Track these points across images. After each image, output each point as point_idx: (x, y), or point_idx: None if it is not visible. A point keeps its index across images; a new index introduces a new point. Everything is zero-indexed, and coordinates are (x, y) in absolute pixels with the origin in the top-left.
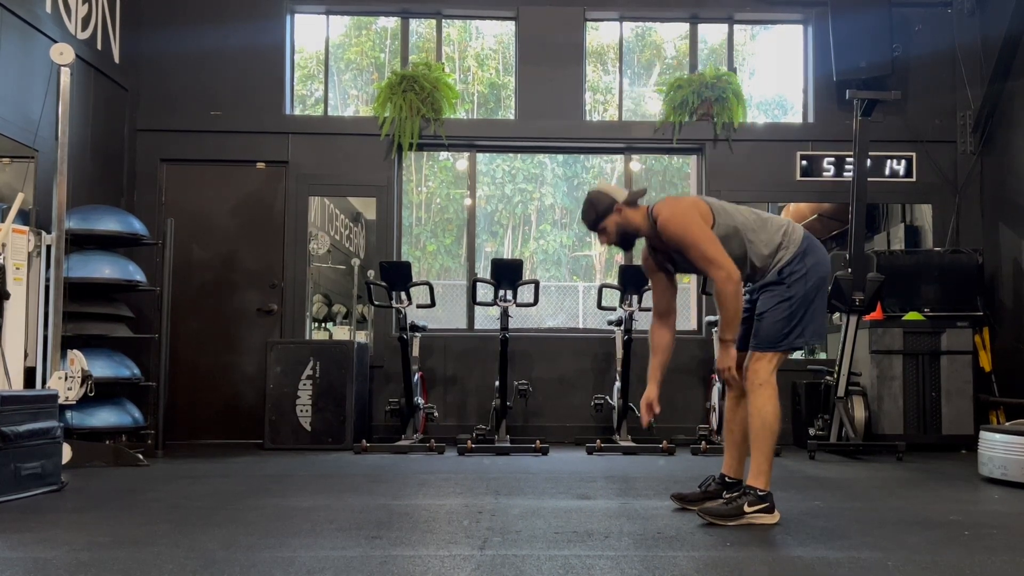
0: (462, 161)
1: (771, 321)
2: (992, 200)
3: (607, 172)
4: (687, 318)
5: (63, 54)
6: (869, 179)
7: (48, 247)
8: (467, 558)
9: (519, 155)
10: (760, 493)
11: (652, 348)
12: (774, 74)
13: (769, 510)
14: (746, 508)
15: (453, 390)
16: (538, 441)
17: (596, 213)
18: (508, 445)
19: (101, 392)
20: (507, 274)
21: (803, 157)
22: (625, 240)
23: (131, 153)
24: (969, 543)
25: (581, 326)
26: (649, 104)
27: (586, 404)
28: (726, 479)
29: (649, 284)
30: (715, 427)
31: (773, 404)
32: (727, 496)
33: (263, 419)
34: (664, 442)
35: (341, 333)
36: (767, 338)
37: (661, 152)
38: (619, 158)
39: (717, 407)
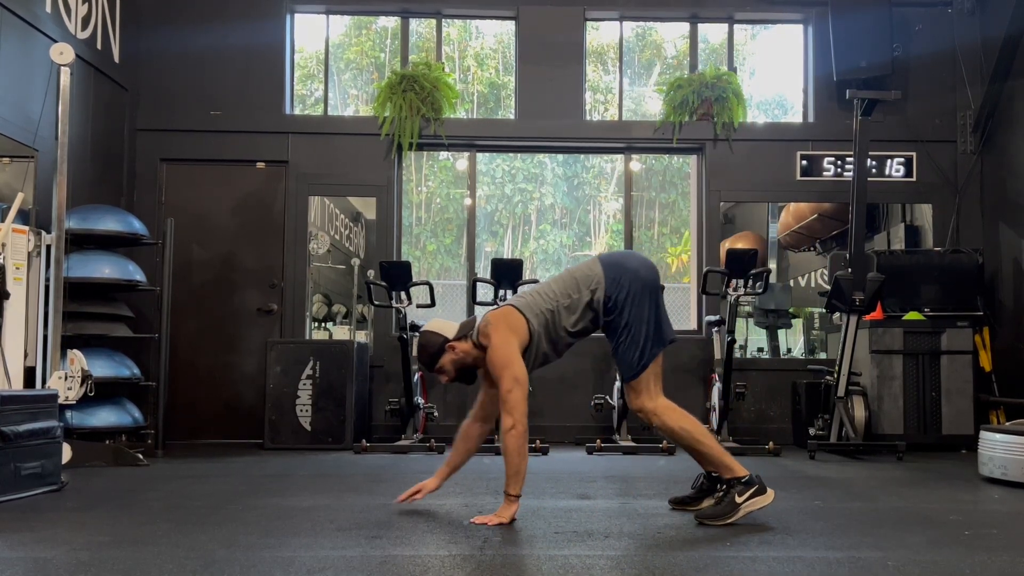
0: (462, 161)
1: (623, 351)
2: (992, 200)
3: (607, 172)
4: (687, 318)
5: (63, 54)
6: (869, 179)
7: (48, 247)
8: (467, 558)
9: (519, 155)
10: (743, 479)
11: (458, 437)
12: (774, 74)
13: (760, 491)
14: (738, 499)
15: (453, 390)
16: (538, 441)
17: (429, 355)
18: None
19: (101, 392)
20: (507, 274)
21: (803, 157)
22: (465, 375)
23: (131, 153)
24: (969, 543)
25: None
26: (649, 104)
27: (586, 404)
28: (712, 475)
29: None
30: (715, 427)
31: (678, 417)
32: (718, 494)
33: (263, 419)
34: (664, 442)
35: (341, 333)
36: (628, 367)
37: (661, 152)
38: (619, 158)
39: (717, 407)
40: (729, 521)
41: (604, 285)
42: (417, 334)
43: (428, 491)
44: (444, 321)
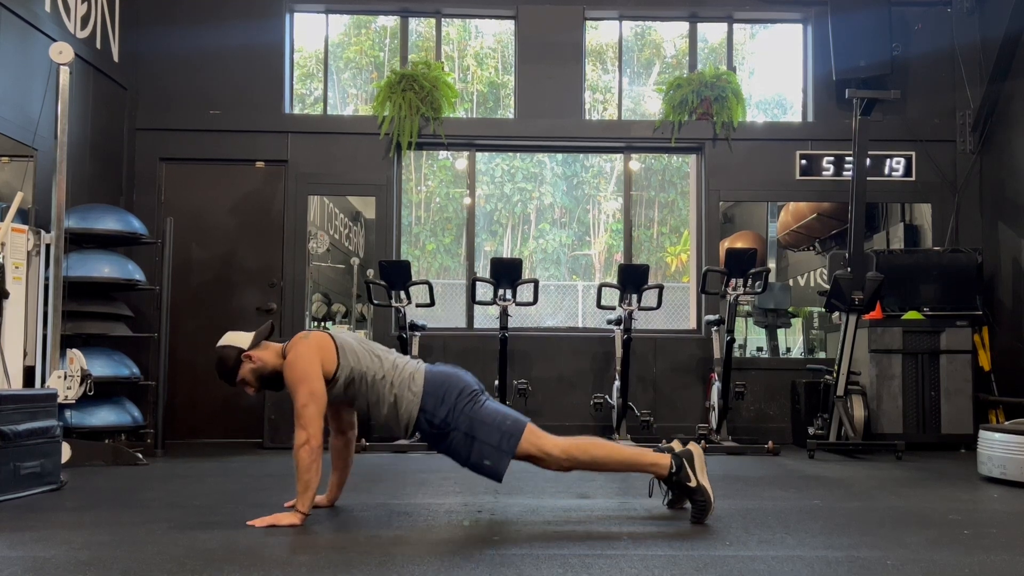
0: (461, 160)
1: (478, 456)
2: (991, 199)
3: (607, 171)
4: (686, 317)
5: (62, 53)
6: (868, 178)
7: (47, 246)
8: (467, 558)
9: (518, 154)
10: (672, 465)
11: (333, 456)
12: (773, 73)
13: (689, 457)
14: (693, 484)
15: None
16: None
17: (227, 369)
18: None
19: (100, 391)
20: (506, 273)
21: (802, 156)
22: (269, 383)
23: (130, 152)
24: (968, 542)
25: (580, 325)
26: (649, 103)
27: (585, 403)
28: (659, 482)
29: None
30: (715, 426)
31: (586, 448)
32: (678, 495)
33: (263, 418)
34: (663, 441)
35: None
36: (494, 461)
37: (660, 151)
38: (618, 157)
39: (716, 406)
40: (713, 501)
41: (418, 402)
42: (417, 334)
43: (322, 505)
44: (238, 333)
